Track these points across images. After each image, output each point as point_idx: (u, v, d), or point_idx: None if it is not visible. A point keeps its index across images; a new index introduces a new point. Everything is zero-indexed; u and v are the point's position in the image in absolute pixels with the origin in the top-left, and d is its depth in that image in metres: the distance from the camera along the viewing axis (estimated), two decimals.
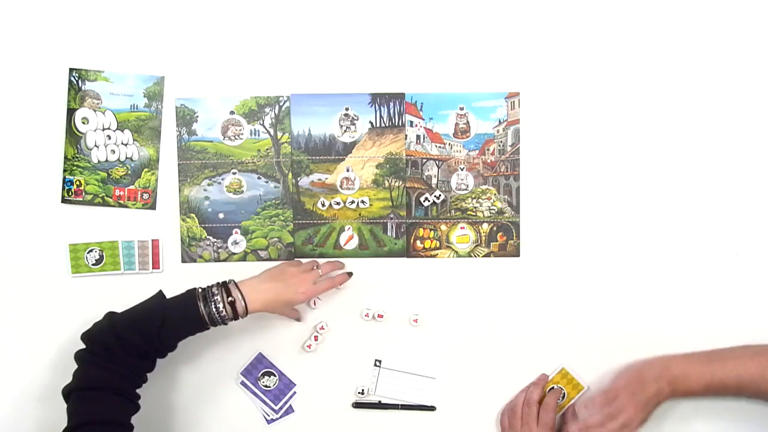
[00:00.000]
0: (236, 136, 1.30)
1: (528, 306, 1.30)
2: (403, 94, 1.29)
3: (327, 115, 1.30)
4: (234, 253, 1.30)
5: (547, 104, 1.29)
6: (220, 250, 1.30)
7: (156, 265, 1.30)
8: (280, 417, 1.30)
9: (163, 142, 1.30)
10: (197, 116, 1.30)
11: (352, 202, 1.31)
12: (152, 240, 1.30)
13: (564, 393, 1.29)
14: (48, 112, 1.28)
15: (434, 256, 1.31)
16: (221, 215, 1.30)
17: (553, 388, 1.29)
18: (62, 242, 1.29)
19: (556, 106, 1.29)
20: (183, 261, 1.30)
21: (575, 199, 1.29)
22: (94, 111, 1.29)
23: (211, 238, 1.30)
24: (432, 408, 1.30)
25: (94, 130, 1.29)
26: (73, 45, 1.28)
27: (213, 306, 1.13)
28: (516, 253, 1.30)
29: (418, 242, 1.31)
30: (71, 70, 1.28)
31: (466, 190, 1.31)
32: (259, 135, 1.30)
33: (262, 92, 1.29)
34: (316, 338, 1.29)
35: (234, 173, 1.30)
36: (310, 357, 1.30)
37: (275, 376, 1.30)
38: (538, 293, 1.30)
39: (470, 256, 1.31)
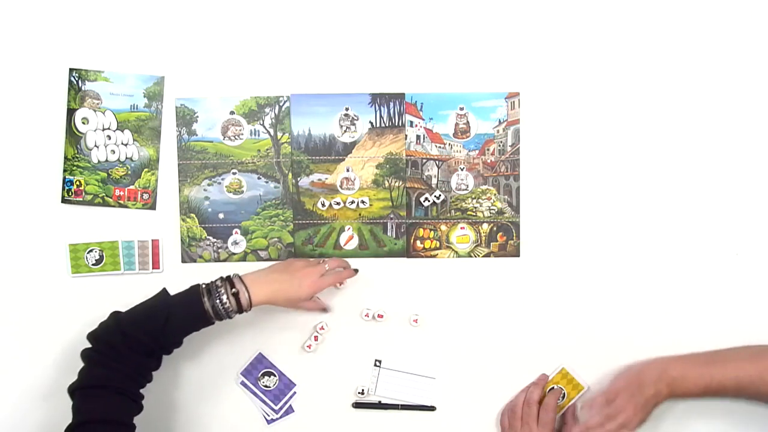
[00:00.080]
0: (236, 136, 1.30)
1: (528, 306, 1.30)
2: (403, 94, 1.29)
3: (327, 115, 1.30)
4: (234, 253, 1.30)
5: (547, 104, 1.29)
6: (220, 250, 1.30)
7: (156, 265, 1.30)
8: (280, 417, 1.30)
9: (163, 142, 1.30)
10: (197, 116, 1.30)
11: (352, 202, 1.31)
12: (152, 240, 1.30)
13: (564, 393, 1.29)
14: (48, 112, 1.28)
15: (434, 256, 1.31)
16: (221, 215, 1.30)
17: (553, 388, 1.29)
18: (62, 242, 1.29)
19: (556, 106, 1.29)
20: (183, 261, 1.30)
21: (575, 200, 1.29)
22: (94, 111, 1.29)
23: (211, 238, 1.30)
24: (432, 408, 1.30)
25: (94, 130, 1.29)
26: (73, 45, 1.28)
27: (217, 299, 1.13)
28: (516, 253, 1.30)
29: (418, 242, 1.31)
30: (71, 70, 1.28)
31: (466, 190, 1.31)
32: (259, 135, 1.30)
33: (262, 92, 1.29)
34: (316, 338, 1.29)
35: (234, 173, 1.30)
36: (310, 357, 1.30)
37: (275, 376, 1.30)
38: (538, 293, 1.30)
39: (470, 256, 1.31)
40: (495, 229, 1.30)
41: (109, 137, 1.29)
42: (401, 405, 1.30)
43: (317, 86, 1.29)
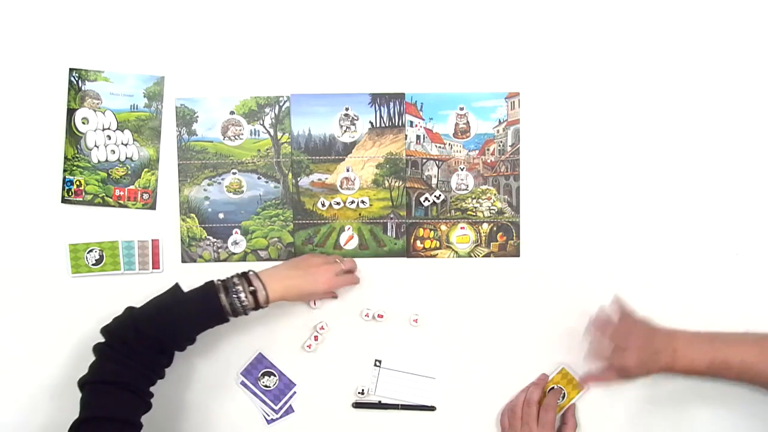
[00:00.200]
0: (236, 136, 1.30)
1: (528, 306, 1.30)
2: (403, 94, 1.29)
3: (327, 115, 1.30)
4: (234, 253, 1.30)
5: (547, 104, 1.29)
6: (220, 250, 1.30)
7: (156, 265, 1.30)
8: (280, 417, 1.30)
9: (163, 142, 1.30)
10: (197, 116, 1.30)
11: (352, 202, 1.31)
12: (152, 240, 1.30)
13: (564, 393, 1.29)
14: (48, 112, 1.28)
15: (434, 256, 1.31)
16: (221, 215, 1.30)
17: (553, 388, 1.29)
18: (62, 242, 1.29)
19: (556, 106, 1.29)
20: (183, 261, 1.30)
21: (575, 199, 1.29)
22: (94, 111, 1.29)
23: (211, 238, 1.30)
24: (432, 408, 1.30)
25: (94, 130, 1.29)
26: (73, 45, 1.28)
27: (235, 296, 1.13)
28: (516, 253, 1.30)
29: (418, 242, 1.31)
30: (71, 70, 1.28)
31: (466, 190, 1.31)
32: (259, 135, 1.30)
33: (262, 92, 1.29)
34: (316, 338, 1.29)
35: (234, 173, 1.30)
36: (310, 357, 1.30)
37: (275, 376, 1.30)
38: (538, 293, 1.30)
39: (470, 256, 1.31)
40: (495, 229, 1.30)
41: (109, 137, 1.29)
42: (401, 405, 1.30)
43: (317, 86, 1.29)
